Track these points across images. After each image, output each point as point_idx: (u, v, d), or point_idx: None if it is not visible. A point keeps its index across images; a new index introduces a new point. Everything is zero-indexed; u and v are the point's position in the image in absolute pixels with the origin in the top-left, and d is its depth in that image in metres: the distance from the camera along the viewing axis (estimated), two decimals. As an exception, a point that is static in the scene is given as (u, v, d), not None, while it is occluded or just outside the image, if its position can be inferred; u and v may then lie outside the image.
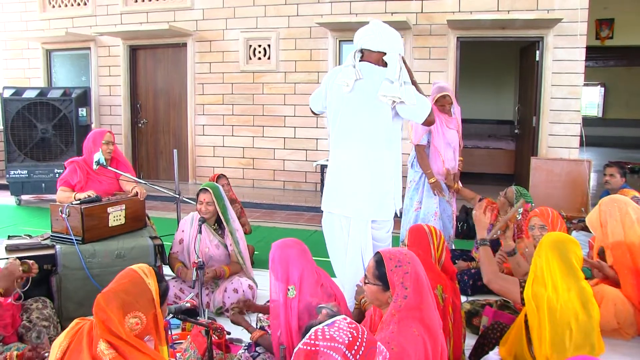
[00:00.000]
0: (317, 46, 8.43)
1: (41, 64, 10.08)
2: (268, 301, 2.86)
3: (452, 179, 4.77)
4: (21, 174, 7.75)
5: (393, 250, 2.22)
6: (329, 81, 3.37)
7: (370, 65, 3.24)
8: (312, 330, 1.53)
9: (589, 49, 7.87)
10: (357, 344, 1.51)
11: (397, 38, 3.25)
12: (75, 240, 3.54)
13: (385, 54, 3.22)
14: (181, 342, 3.06)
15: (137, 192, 4.03)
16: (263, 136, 8.89)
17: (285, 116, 8.70)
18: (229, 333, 2.95)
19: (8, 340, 2.73)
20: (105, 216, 3.72)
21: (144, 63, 9.60)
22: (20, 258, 3.01)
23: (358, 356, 1.50)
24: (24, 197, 8.07)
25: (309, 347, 1.49)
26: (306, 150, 8.68)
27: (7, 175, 7.84)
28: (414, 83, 3.27)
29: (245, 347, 2.82)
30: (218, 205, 3.89)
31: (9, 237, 3.80)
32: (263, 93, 8.78)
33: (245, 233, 4.42)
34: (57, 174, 7.29)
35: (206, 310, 3.54)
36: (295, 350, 1.55)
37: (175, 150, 4.39)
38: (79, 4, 9.73)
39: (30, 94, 7.91)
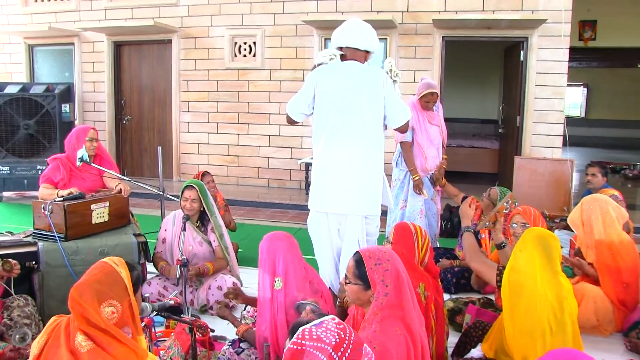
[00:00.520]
0: (303, 44, 8.42)
1: (23, 59, 9.94)
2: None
3: (442, 174, 4.81)
4: (3, 170, 7.63)
5: (372, 248, 2.22)
6: (315, 82, 3.34)
7: (360, 64, 3.27)
8: (300, 329, 1.53)
9: (573, 50, 7.97)
10: (344, 345, 1.51)
11: (376, 37, 3.40)
12: (58, 237, 3.49)
13: (370, 52, 3.26)
14: (165, 340, 3.05)
15: (121, 189, 3.99)
16: (248, 134, 8.87)
17: (270, 114, 8.68)
18: (212, 330, 2.94)
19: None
20: (88, 213, 3.68)
21: (128, 59, 9.52)
22: (1, 256, 2.97)
23: (344, 358, 1.50)
24: (6, 193, 7.96)
25: (295, 347, 1.49)
26: (291, 148, 8.68)
27: (-11, 172, 7.73)
28: None
29: (230, 344, 2.83)
30: (204, 202, 3.89)
31: (-10, 234, 3.75)
32: (248, 90, 8.76)
33: (230, 230, 4.42)
34: (39, 171, 7.18)
35: (190, 307, 3.53)
36: (284, 349, 1.55)
37: (159, 147, 4.38)
38: (62, -1, 9.62)
39: (12, 89, 7.79)
